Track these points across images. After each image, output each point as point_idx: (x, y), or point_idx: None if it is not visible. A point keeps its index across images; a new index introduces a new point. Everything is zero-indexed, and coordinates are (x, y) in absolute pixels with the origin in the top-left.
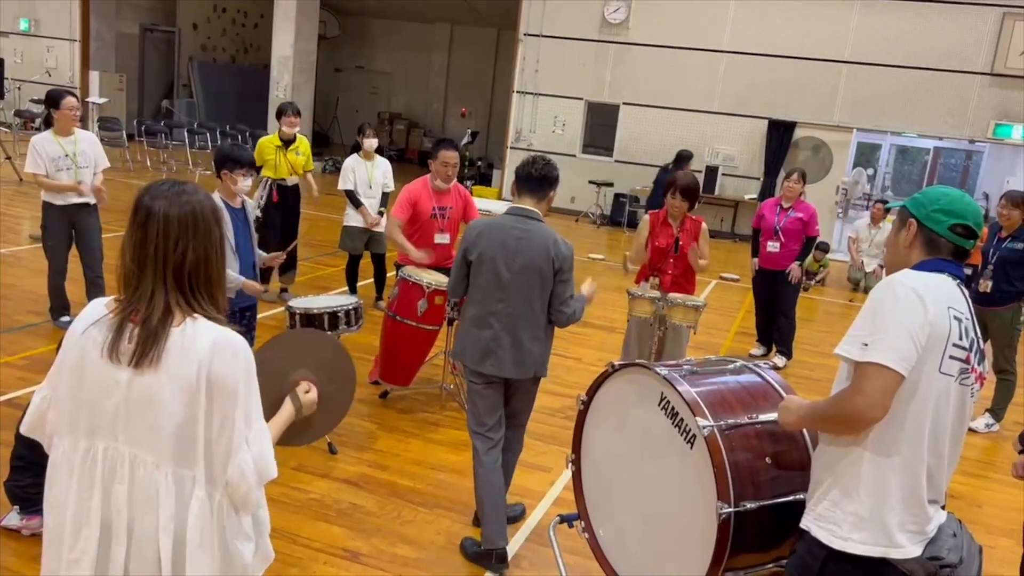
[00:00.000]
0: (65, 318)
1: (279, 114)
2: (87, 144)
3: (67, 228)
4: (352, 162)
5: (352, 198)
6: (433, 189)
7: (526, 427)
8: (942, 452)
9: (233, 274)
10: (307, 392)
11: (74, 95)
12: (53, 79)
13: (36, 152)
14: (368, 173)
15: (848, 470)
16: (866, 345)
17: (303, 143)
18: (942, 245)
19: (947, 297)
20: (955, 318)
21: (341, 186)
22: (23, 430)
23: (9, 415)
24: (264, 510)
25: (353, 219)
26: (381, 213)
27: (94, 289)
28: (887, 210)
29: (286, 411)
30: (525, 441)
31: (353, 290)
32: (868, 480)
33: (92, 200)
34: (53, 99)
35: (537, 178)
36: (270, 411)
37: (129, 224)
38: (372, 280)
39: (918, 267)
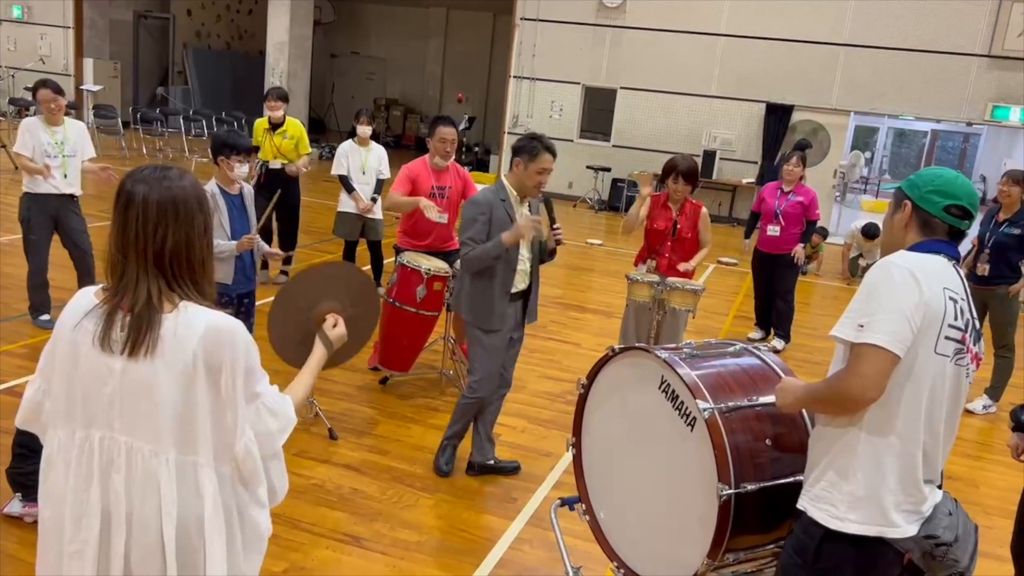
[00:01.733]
0: (45, 316)
1: (264, 98)
2: (75, 133)
3: (51, 221)
4: (346, 148)
5: (345, 183)
6: (432, 168)
7: (466, 384)
8: (938, 432)
9: (222, 241)
10: (334, 326)
11: (52, 87)
12: (47, 67)
13: (27, 133)
14: (362, 159)
15: (844, 451)
16: (861, 326)
17: (292, 126)
18: (937, 226)
19: (942, 278)
20: (950, 299)
21: (334, 171)
22: (17, 423)
23: (10, 403)
24: (264, 487)
25: (347, 205)
26: (374, 200)
27: (87, 281)
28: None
29: (318, 354)
30: (525, 426)
31: None
32: (864, 460)
33: (76, 191)
34: (33, 89)
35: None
36: (298, 348)
37: (113, 210)
38: (369, 267)
39: (913, 248)
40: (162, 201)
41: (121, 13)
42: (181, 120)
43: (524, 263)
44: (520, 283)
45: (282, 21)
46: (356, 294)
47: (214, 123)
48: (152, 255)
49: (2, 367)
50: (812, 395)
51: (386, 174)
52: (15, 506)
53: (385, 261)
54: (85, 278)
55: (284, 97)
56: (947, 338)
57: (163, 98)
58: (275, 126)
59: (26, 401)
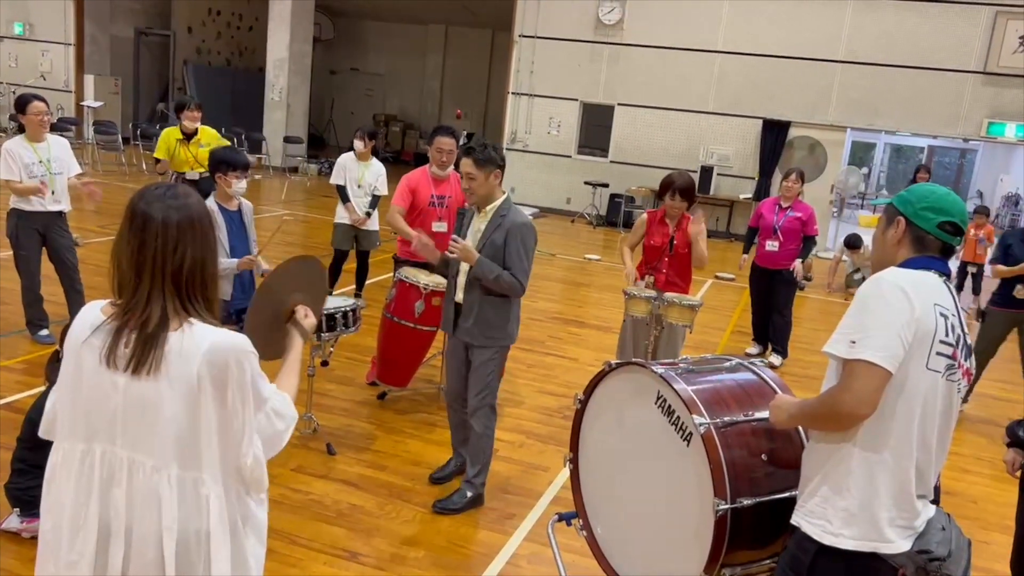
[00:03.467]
0: (44, 331)
1: (180, 108)
2: (59, 149)
3: (39, 237)
4: (345, 160)
5: (341, 193)
6: (432, 177)
7: None
8: (930, 447)
9: (223, 259)
10: (306, 316)
11: (43, 100)
12: (48, 83)
13: (10, 157)
14: (359, 173)
15: (838, 466)
16: (854, 343)
17: (206, 134)
18: (930, 243)
19: (933, 294)
20: (941, 315)
21: (332, 181)
22: (40, 432)
23: (8, 419)
24: (263, 523)
25: (342, 216)
26: (368, 214)
27: (74, 296)
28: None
29: (297, 345)
30: (523, 441)
31: (331, 285)
32: (858, 476)
33: (64, 208)
34: (20, 104)
35: None
36: (272, 341)
37: (124, 230)
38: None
39: (905, 264)
40: (181, 221)
41: (122, 30)
42: None
43: (462, 275)
44: (458, 294)
45: (282, 38)
46: (316, 287)
47: None
48: (170, 274)
49: (1, 382)
50: (805, 412)
51: (381, 191)
52: (13, 521)
53: (384, 276)
54: (72, 293)
55: (201, 106)
56: (938, 354)
57: (163, 114)
58: (189, 136)
59: (47, 411)
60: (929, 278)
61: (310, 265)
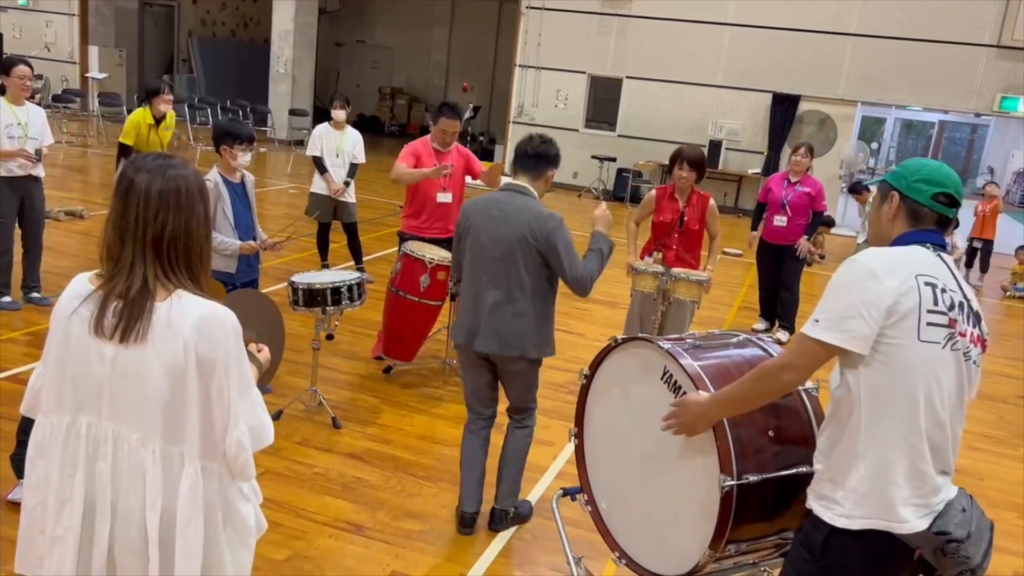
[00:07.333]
0: (7, 298)
1: (155, 92)
2: (36, 116)
3: (17, 202)
4: (321, 130)
5: (319, 164)
6: (433, 148)
7: (527, 420)
8: (943, 422)
9: (228, 239)
10: (260, 352)
11: (29, 64)
12: (52, 54)
13: None
14: (336, 143)
15: (846, 448)
16: (817, 321)
17: (170, 117)
18: (925, 215)
19: (916, 266)
20: (927, 284)
21: (308, 152)
22: (22, 410)
23: (13, 390)
24: (248, 520)
25: (319, 186)
26: (347, 183)
27: (33, 252)
28: (866, 187)
29: (253, 376)
30: None
31: (324, 257)
32: (867, 457)
33: (40, 173)
34: (5, 66)
35: (532, 155)
36: None
37: (112, 195)
38: (348, 251)
39: (899, 240)
40: (164, 188)
41: (126, 1)
42: (186, 108)
43: None
44: None
45: (287, 9)
46: (272, 324)
47: (219, 111)
48: (151, 240)
49: (4, 354)
50: (734, 398)
51: (360, 159)
52: (19, 492)
53: (389, 250)
54: (34, 249)
55: (172, 90)
56: (930, 324)
57: (169, 87)
58: (158, 121)
59: (29, 387)
60: (915, 252)
61: (253, 299)
